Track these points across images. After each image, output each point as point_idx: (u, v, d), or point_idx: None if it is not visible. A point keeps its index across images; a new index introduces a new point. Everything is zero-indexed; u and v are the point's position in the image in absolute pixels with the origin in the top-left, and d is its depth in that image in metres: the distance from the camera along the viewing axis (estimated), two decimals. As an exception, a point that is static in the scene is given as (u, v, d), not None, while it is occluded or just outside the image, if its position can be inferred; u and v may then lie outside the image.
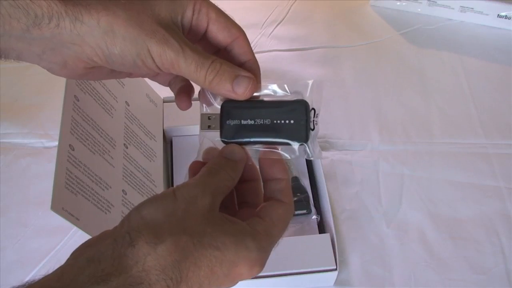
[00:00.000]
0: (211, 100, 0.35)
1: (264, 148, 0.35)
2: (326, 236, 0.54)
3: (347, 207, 0.61)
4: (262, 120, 0.34)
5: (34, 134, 0.68)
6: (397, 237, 0.58)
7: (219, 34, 0.35)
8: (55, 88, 0.69)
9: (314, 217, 0.58)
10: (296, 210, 0.58)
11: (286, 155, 0.34)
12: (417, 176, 0.64)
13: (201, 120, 0.35)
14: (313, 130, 0.34)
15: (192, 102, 0.38)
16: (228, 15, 0.35)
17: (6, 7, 0.28)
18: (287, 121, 0.34)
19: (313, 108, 0.34)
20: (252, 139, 0.34)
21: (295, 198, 0.59)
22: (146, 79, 0.41)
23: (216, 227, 0.29)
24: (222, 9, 0.35)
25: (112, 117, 0.51)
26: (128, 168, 0.51)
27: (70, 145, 0.42)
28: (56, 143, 0.41)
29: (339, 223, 0.59)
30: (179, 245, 0.27)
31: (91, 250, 0.28)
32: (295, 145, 0.34)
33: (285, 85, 0.35)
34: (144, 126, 0.58)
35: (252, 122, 0.34)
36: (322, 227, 0.58)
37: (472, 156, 0.66)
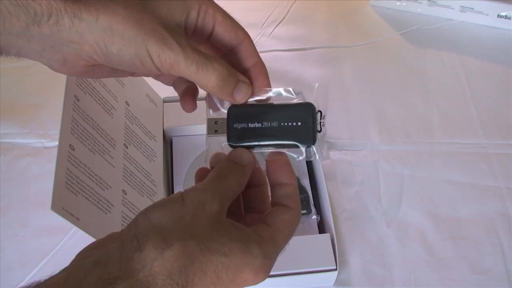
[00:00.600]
0: (218, 105, 0.35)
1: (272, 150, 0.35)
2: (326, 236, 0.54)
3: (347, 207, 0.61)
4: (269, 122, 0.34)
5: (34, 134, 0.68)
6: (397, 237, 0.58)
7: (225, 36, 0.35)
8: (55, 88, 0.69)
9: (314, 217, 0.58)
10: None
11: (294, 156, 0.35)
12: (417, 176, 0.64)
13: (207, 125, 0.35)
14: (320, 132, 0.34)
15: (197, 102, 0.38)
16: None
17: (6, 5, 0.28)
18: (294, 124, 0.34)
19: (319, 110, 0.34)
20: (259, 142, 0.34)
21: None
22: (150, 79, 0.41)
23: (223, 233, 0.29)
24: (222, 9, 0.35)
25: (112, 117, 0.51)
26: (128, 168, 0.51)
27: (70, 145, 0.42)
28: (56, 143, 0.41)
29: (339, 223, 0.59)
30: (186, 251, 0.27)
31: (97, 252, 0.27)
32: (303, 147, 0.34)
33: (291, 88, 0.35)
34: (144, 126, 0.58)
35: (260, 125, 0.34)
36: (322, 227, 0.58)
37: (472, 156, 0.66)
